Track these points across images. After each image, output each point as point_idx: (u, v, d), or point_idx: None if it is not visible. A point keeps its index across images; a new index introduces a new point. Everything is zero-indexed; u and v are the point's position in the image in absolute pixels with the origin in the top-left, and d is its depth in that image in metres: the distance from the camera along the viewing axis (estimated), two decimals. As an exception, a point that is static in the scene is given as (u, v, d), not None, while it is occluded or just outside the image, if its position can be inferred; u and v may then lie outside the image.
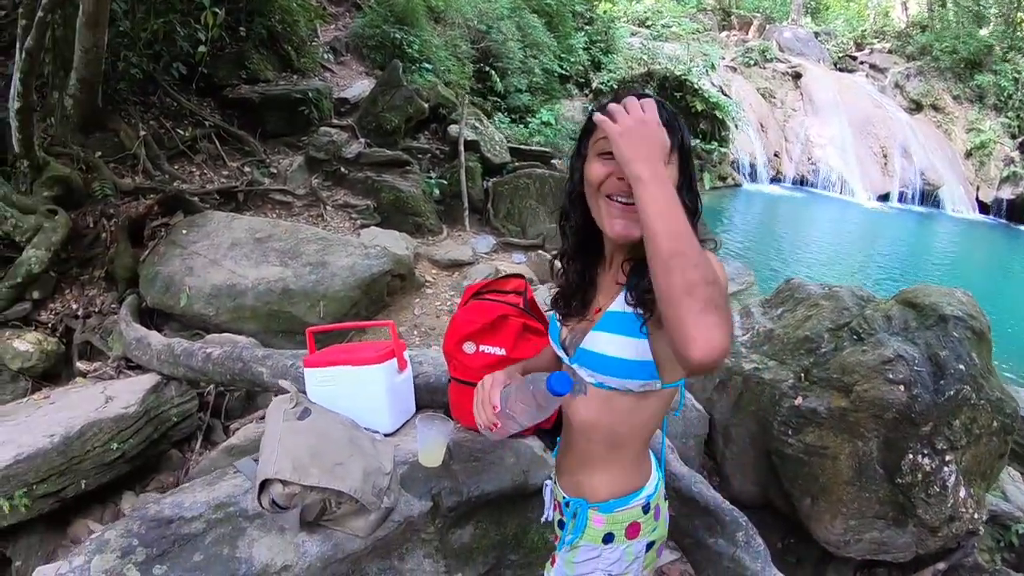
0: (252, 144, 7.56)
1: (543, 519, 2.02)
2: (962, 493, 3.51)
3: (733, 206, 14.31)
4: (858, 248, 13.68)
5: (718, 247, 1.64)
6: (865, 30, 23.65)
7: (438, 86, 9.63)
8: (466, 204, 8.14)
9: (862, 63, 21.46)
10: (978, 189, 18.04)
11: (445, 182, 8.23)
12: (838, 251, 12.93)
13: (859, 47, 22.63)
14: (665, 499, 1.93)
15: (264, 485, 2.23)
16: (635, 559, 1.83)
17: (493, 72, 11.77)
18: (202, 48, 6.83)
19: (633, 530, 1.81)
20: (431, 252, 6.97)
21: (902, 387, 3.43)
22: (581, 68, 15.00)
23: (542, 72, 13.26)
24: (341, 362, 2.84)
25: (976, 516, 3.60)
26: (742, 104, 15.87)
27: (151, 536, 2.15)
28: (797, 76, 18.56)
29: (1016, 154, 17.94)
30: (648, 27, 19.29)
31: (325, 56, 9.83)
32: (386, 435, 2.87)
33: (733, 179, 15.22)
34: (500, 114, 11.41)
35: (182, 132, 7.14)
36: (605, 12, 16.74)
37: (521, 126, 11.35)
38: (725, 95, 15.48)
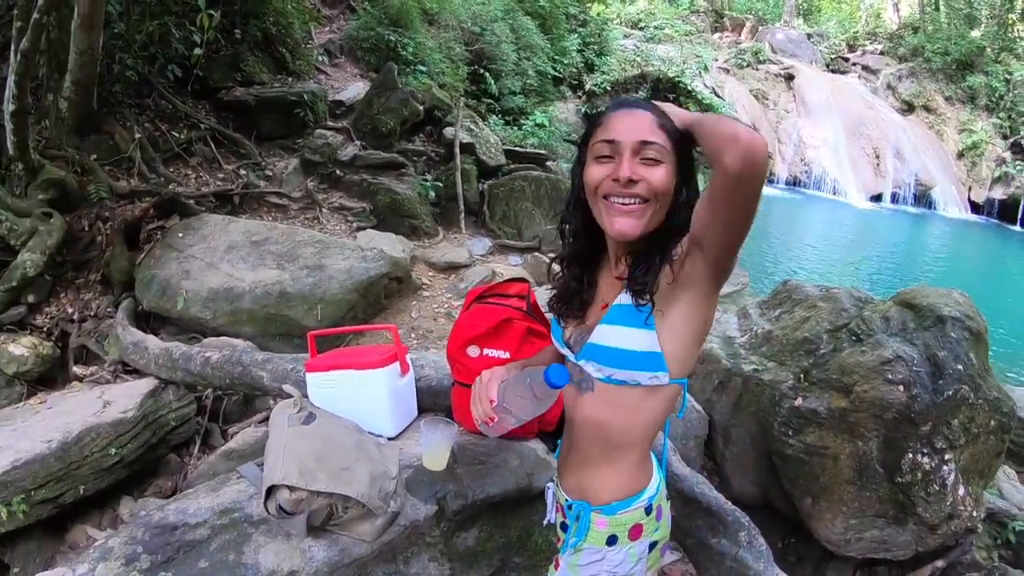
0: (247, 147, 7.54)
1: (545, 522, 2.03)
2: (961, 491, 3.55)
3: (724, 208, 14.37)
4: (852, 249, 13.80)
5: None
6: (857, 32, 23.83)
7: (433, 88, 9.63)
8: (462, 206, 8.13)
9: (854, 64, 21.61)
10: (970, 189, 18.24)
11: (441, 184, 8.21)
12: (832, 252, 13.04)
13: (851, 48, 22.80)
14: (667, 500, 1.95)
15: (270, 491, 2.23)
16: (639, 560, 1.84)
17: (487, 74, 11.79)
18: (197, 51, 6.79)
19: (636, 532, 1.82)
20: (427, 255, 6.97)
21: (901, 387, 3.46)
22: (575, 70, 15.10)
23: (536, 74, 13.32)
24: (343, 366, 2.83)
25: (975, 514, 3.64)
26: (735, 106, 16.00)
27: (155, 543, 2.14)
28: (790, 77, 18.67)
29: (1008, 154, 18.12)
30: (641, 29, 19.38)
31: (320, 58, 9.84)
32: (389, 439, 2.86)
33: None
34: (494, 116, 11.41)
35: (177, 135, 7.11)
36: (598, 14, 16.80)
37: (515, 128, 11.35)
38: (718, 97, 15.55)
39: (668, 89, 14.50)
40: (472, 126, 9.23)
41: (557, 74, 14.42)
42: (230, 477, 2.56)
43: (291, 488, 2.19)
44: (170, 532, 2.19)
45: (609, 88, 14.67)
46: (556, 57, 14.45)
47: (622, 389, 1.71)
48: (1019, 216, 17.51)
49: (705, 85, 15.43)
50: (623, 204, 1.63)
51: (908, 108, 19.40)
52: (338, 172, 7.63)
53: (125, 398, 3.97)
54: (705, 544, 3.29)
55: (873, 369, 3.54)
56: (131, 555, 2.08)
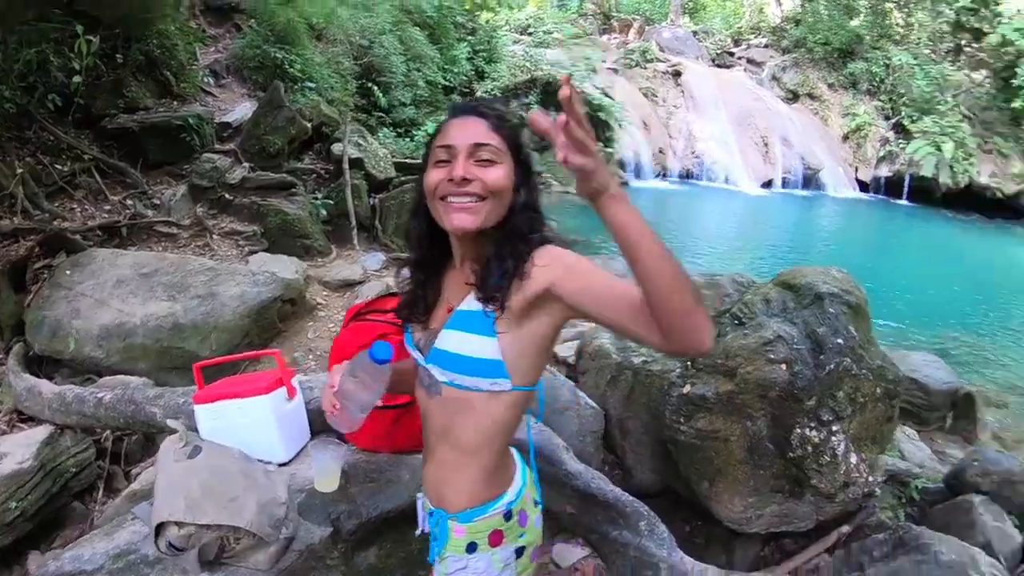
0: (134, 175, 7.38)
1: (418, 532, 2.03)
2: (853, 459, 3.66)
3: (622, 205, 14.65)
4: (747, 234, 14.26)
5: (572, 245, 1.75)
6: (742, 27, 24.51)
7: (321, 105, 9.55)
8: (353, 223, 8.09)
9: (740, 58, 22.27)
10: (856, 170, 19.19)
11: (331, 202, 8.17)
12: (728, 239, 13.41)
13: (736, 43, 23.46)
14: (536, 504, 1.98)
15: (160, 528, 2.26)
16: (504, 566, 1.87)
17: (375, 88, 11.78)
18: (77, 78, 6.65)
19: (496, 538, 1.85)
20: (321, 274, 6.94)
21: (783, 366, 3.59)
22: (465, 78, 15.11)
23: (426, 84, 13.33)
24: (229, 395, 2.85)
25: (871, 479, 3.76)
26: (625, 105, 16.25)
27: (53, 593, 2.14)
28: (677, 74, 19.11)
29: (891, 134, 19.08)
30: (530, 34, 19.53)
31: (206, 80, 9.62)
32: (282, 464, 2.90)
33: (620, 178, 15.52)
34: (386, 129, 11.42)
35: (61, 167, 6.91)
36: (487, 21, 16.86)
37: (407, 140, 11.37)
38: (608, 97, 15.80)
39: (558, 92, 14.55)
40: (361, 141, 9.20)
41: (448, 83, 14.43)
42: (125, 519, 2.58)
43: (179, 524, 2.23)
44: (67, 581, 2.19)
45: (499, 94, 14.82)
46: (446, 66, 14.48)
47: (467, 394, 1.75)
48: (905, 191, 18.48)
49: (595, 86, 15.67)
50: (459, 203, 1.68)
51: (793, 97, 20.15)
52: (227, 196, 7.51)
53: (21, 448, 3.86)
54: (608, 537, 3.43)
55: (755, 351, 3.66)
56: (29, 607, 2.10)
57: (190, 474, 2.37)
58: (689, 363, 3.89)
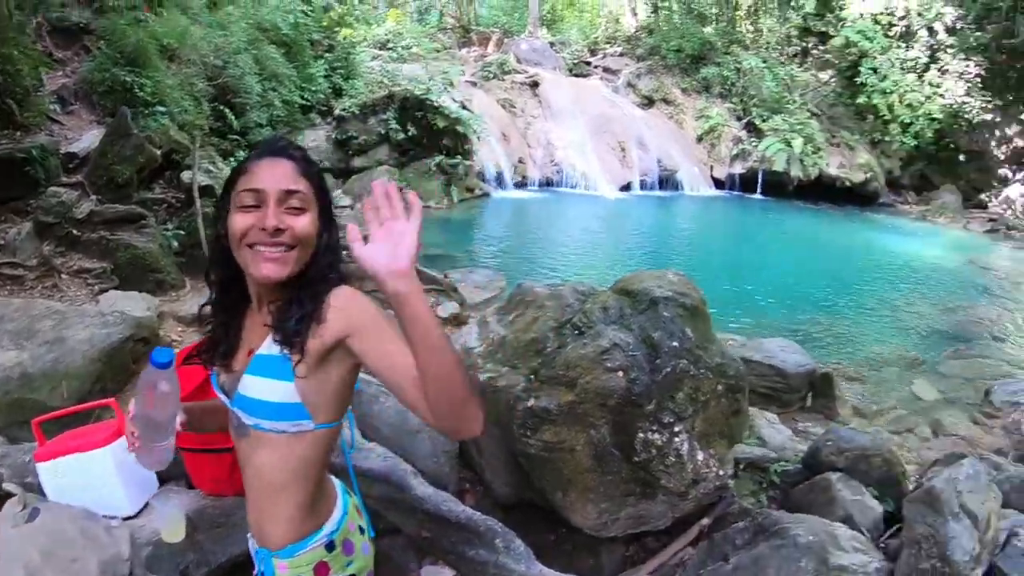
0: (-26, 215, 7.05)
1: (256, 573, 2.00)
2: (700, 456, 3.73)
3: (483, 216, 14.87)
4: (605, 239, 14.56)
5: (365, 284, 1.77)
6: (598, 37, 25.10)
7: (171, 130, 9.25)
8: (206, 253, 7.78)
9: (596, 67, 22.76)
10: (712, 168, 19.97)
11: (183, 232, 7.91)
12: (587, 245, 13.66)
13: (593, 53, 23.97)
14: (363, 531, 2.01)
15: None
16: None
17: (228, 110, 11.55)
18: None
19: (322, 570, 1.87)
20: (175, 309, 6.75)
21: (620, 373, 3.65)
22: (323, 96, 15.05)
23: (283, 104, 13.23)
24: (69, 450, 2.79)
25: (721, 472, 3.84)
26: (484, 116, 16.42)
27: None
28: (535, 85, 19.43)
29: (743, 133, 19.98)
30: (390, 49, 19.48)
31: (52, 107, 9.13)
32: (129, 517, 2.84)
33: (481, 189, 15.69)
34: (241, 152, 11.05)
35: None
36: (345, 37, 16.77)
37: (264, 162, 11.20)
38: (467, 109, 15.92)
39: (416, 107, 14.78)
40: (212, 167, 9.00)
41: (305, 102, 14.36)
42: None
43: (24, 596, 2.19)
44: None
45: (357, 111, 14.79)
46: (303, 85, 14.38)
47: (273, 435, 1.76)
48: (759, 186, 19.47)
49: (453, 100, 15.76)
50: (270, 252, 1.67)
51: (648, 102, 20.80)
52: (75, 232, 7.18)
53: None
54: (465, 557, 3.44)
55: (594, 360, 3.70)
56: None
57: (28, 540, 2.32)
58: (532, 376, 3.92)
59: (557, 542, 4.05)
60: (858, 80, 20.09)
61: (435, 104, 14.78)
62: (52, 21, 10.26)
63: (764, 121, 19.65)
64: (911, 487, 4.40)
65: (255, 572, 2.01)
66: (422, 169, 14.55)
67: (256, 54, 13.00)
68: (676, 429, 3.70)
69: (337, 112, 15.01)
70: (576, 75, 21.74)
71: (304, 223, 1.71)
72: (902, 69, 19.87)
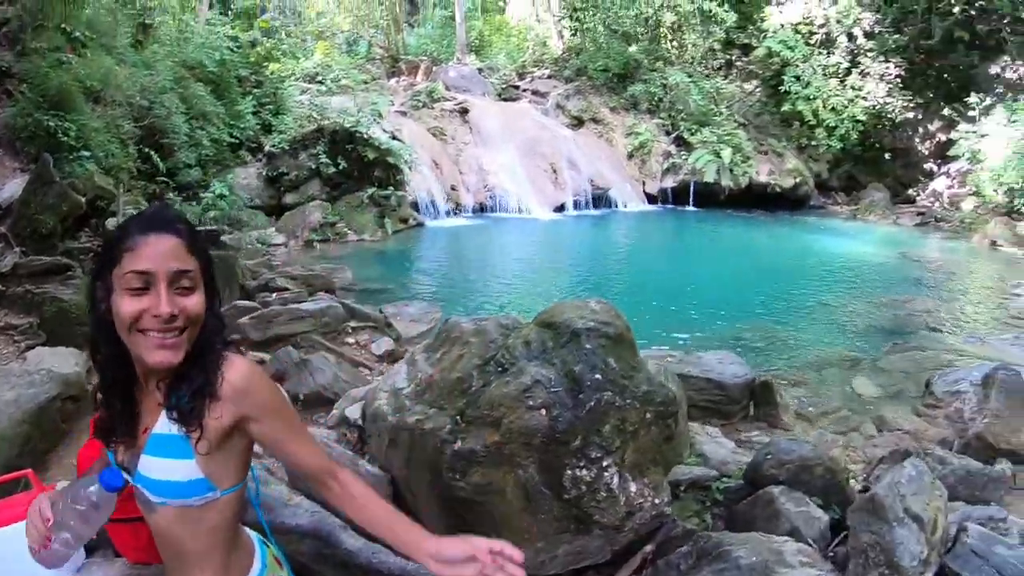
0: None
1: None
2: (633, 488, 3.65)
3: (418, 246, 14.69)
4: (542, 262, 14.51)
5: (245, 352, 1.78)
6: (526, 61, 25.19)
7: (95, 176, 8.98)
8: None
9: (525, 91, 22.88)
10: (644, 184, 20.22)
11: (111, 282, 7.71)
12: (524, 269, 13.58)
13: (521, 76, 24.07)
14: None
15: None
16: None
17: (154, 153, 11.36)
18: None
19: None
20: (105, 363, 6.49)
21: (543, 411, 3.56)
22: (252, 133, 14.94)
23: (211, 143, 13.12)
24: None
25: (657, 501, 3.74)
26: (415, 146, 16.36)
27: None
28: (464, 111, 19.44)
29: (673, 148, 20.36)
30: (319, 82, 19.41)
31: None
32: None
33: (415, 219, 15.49)
34: (171, 194, 11.04)
35: None
36: (273, 72, 16.66)
37: (193, 203, 11.05)
38: (398, 140, 15.86)
39: (346, 140, 14.68)
40: (135, 212, 8.79)
41: (234, 140, 14.24)
42: None
43: None
44: None
45: (287, 147, 14.66)
46: (232, 122, 14.29)
47: (180, 509, 1.71)
48: (691, 198, 19.91)
49: (384, 130, 15.69)
50: (163, 339, 1.60)
51: (578, 122, 20.97)
52: None
53: None
54: None
55: (516, 398, 3.61)
56: None
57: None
58: (459, 417, 3.82)
59: (499, 584, 3.97)
60: (782, 88, 20.62)
61: (365, 136, 14.70)
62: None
63: (693, 134, 20.05)
64: (858, 488, 4.38)
65: None
66: (354, 202, 14.37)
67: (183, 93, 12.89)
68: (605, 463, 3.62)
69: (267, 149, 14.87)
70: (505, 99, 21.84)
71: (195, 302, 1.65)
72: (824, 75, 20.47)
